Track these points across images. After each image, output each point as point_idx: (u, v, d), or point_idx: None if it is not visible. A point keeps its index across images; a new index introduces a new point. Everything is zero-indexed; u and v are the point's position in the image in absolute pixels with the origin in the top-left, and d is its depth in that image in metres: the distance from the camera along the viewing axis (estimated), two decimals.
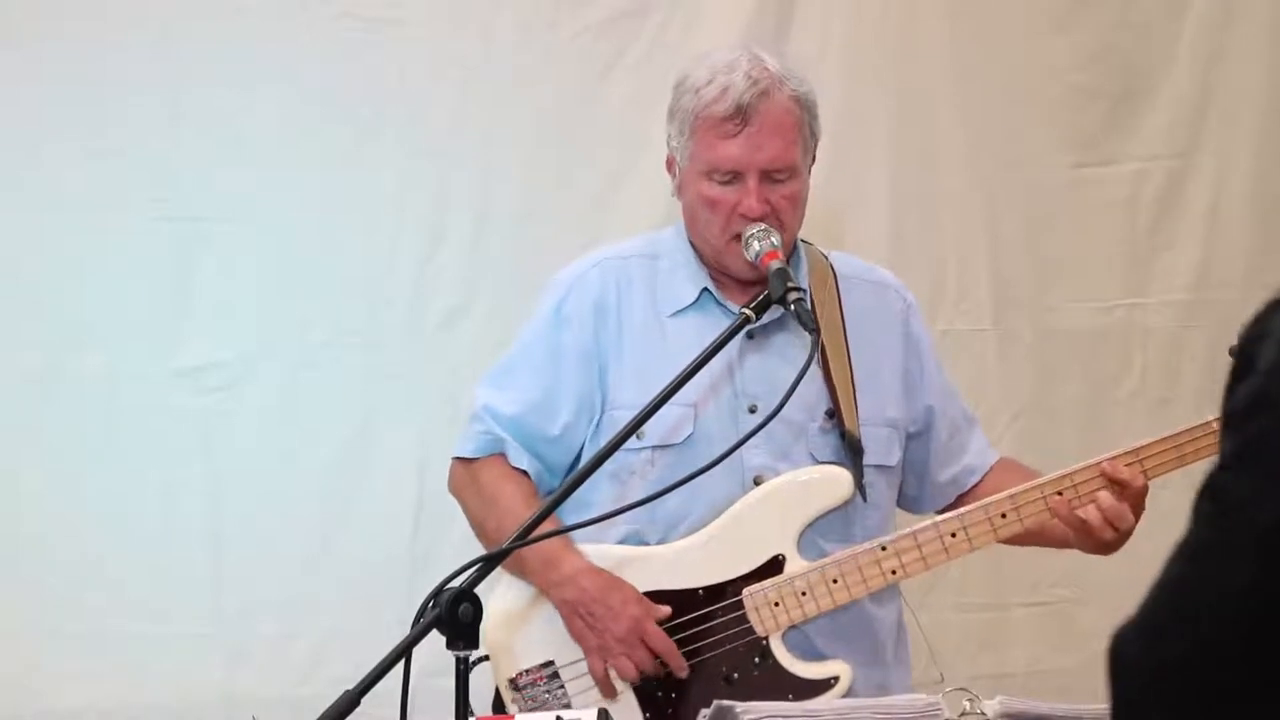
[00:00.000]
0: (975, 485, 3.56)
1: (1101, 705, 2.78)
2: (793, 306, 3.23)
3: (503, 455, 3.44)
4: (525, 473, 3.44)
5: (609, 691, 3.31)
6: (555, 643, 3.34)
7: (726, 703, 2.71)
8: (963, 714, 2.71)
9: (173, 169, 4.36)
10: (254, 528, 4.37)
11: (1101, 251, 4.94)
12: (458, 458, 3.50)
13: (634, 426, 3.13)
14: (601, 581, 3.32)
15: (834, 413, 3.41)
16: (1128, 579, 4.84)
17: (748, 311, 3.25)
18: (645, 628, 3.29)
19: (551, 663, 3.33)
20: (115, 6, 4.34)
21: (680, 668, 3.30)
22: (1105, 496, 3.32)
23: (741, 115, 3.33)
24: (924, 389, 3.55)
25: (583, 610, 3.30)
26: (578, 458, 3.44)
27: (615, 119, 4.58)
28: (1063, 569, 4.72)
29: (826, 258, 3.55)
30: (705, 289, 3.45)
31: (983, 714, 2.71)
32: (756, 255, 3.32)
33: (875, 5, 4.78)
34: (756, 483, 3.37)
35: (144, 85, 4.34)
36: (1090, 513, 3.33)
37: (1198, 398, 4.85)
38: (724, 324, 3.28)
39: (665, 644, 3.30)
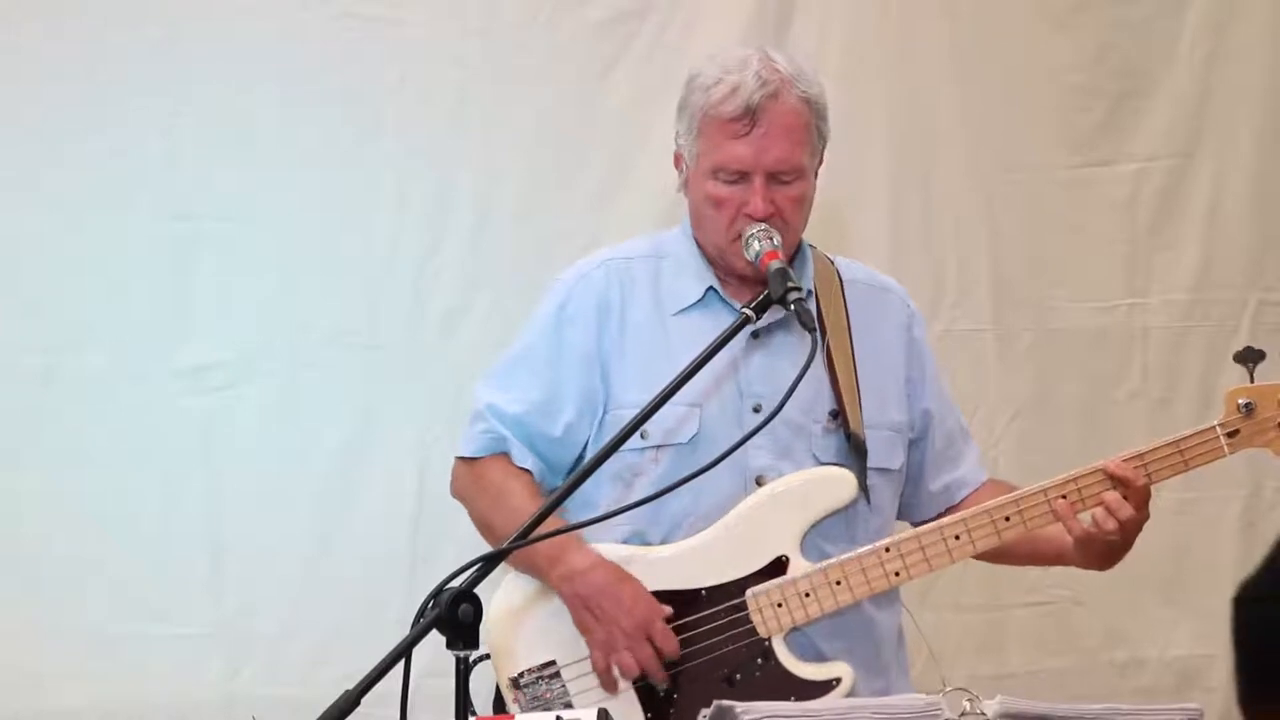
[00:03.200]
0: (964, 500, 3.55)
1: (1101, 705, 2.79)
2: (792, 306, 3.22)
3: (506, 454, 3.44)
4: (528, 472, 3.44)
5: (610, 686, 3.31)
6: (557, 642, 3.33)
7: (726, 703, 2.71)
8: (963, 714, 2.71)
9: (173, 169, 4.36)
10: (254, 528, 4.37)
11: (1101, 251, 4.95)
12: (460, 458, 3.50)
13: (634, 426, 3.12)
14: (612, 575, 3.31)
15: (837, 413, 3.41)
16: (1127, 579, 4.87)
17: (748, 311, 3.25)
18: (653, 625, 3.29)
19: (553, 662, 3.33)
20: (115, 6, 4.34)
21: (668, 673, 3.30)
22: (1111, 495, 3.33)
23: (750, 116, 3.33)
24: (923, 394, 3.55)
25: (592, 603, 3.29)
26: (581, 457, 3.44)
27: (615, 119, 4.58)
28: (1062, 569, 4.70)
29: (832, 262, 3.55)
30: (710, 287, 3.45)
31: (983, 714, 2.71)
32: (756, 255, 3.32)
33: (875, 5, 4.78)
34: (759, 483, 3.37)
35: (144, 85, 4.34)
36: (1097, 513, 3.33)
37: (1198, 398, 4.86)
38: (728, 323, 3.28)
39: (671, 644, 3.30)
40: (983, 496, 3.48)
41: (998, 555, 3.51)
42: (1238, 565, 5.00)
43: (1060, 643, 4.88)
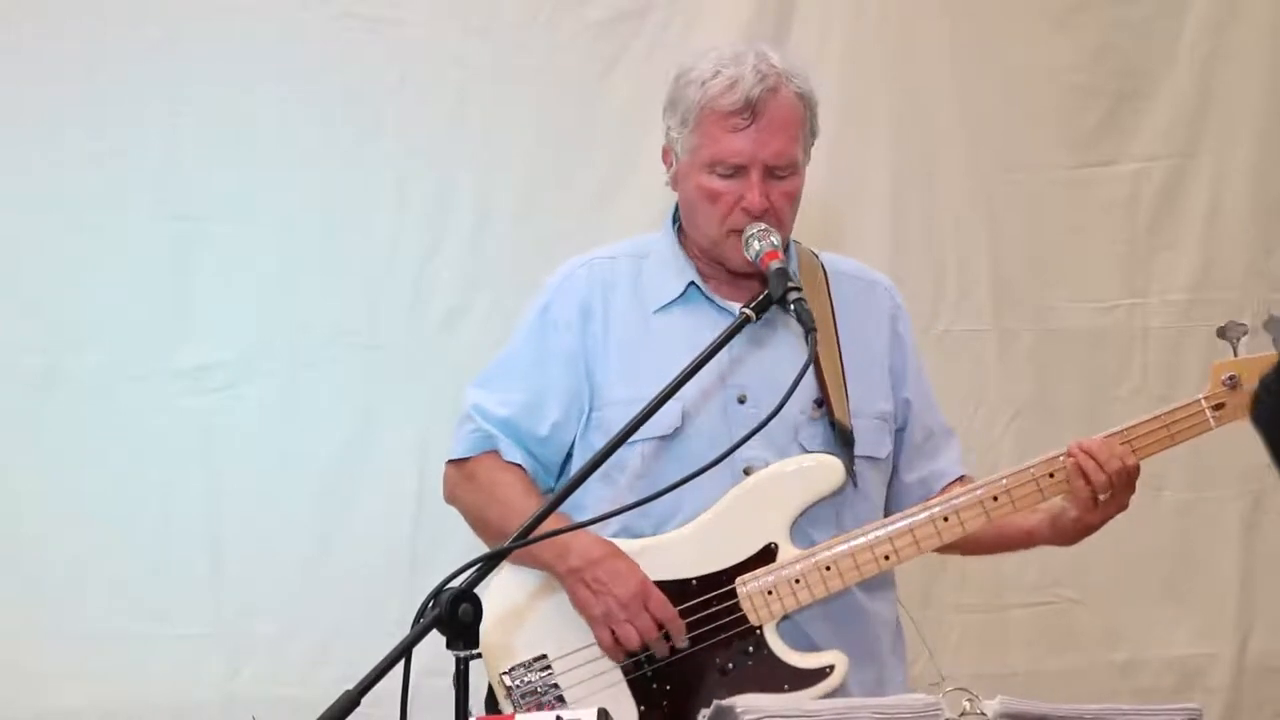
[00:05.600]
0: (940, 492, 3.53)
1: (1101, 705, 2.80)
2: (793, 307, 3.23)
3: (495, 452, 3.45)
4: (519, 466, 3.44)
5: (618, 657, 3.32)
6: (548, 636, 3.34)
7: (726, 703, 2.71)
8: (963, 714, 2.71)
9: (173, 169, 4.36)
10: (254, 528, 4.38)
11: (1101, 251, 4.95)
12: (451, 461, 3.51)
13: (632, 428, 3.12)
14: (606, 549, 3.33)
15: (822, 402, 3.41)
16: (1127, 579, 4.88)
17: (748, 312, 3.25)
18: (649, 592, 3.30)
19: (544, 656, 3.33)
20: (115, 6, 4.34)
21: (679, 633, 3.31)
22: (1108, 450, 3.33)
23: (750, 110, 3.34)
24: (904, 385, 3.55)
25: (588, 576, 3.31)
26: (569, 456, 3.45)
27: (615, 119, 4.58)
28: (1062, 569, 4.72)
29: (816, 256, 3.56)
30: (691, 282, 3.45)
31: (983, 714, 2.71)
32: (757, 255, 3.33)
33: (875, 5, 4.78)
34: (746, 473, 3.38)
35: (144, 85, 4.34)
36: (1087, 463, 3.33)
37: None
38: (711, 318, 3.30)
39: (668, 610, 3.30)
40: (951, 491, 3.47)
41: (967, 546, 3.50)
42: (1239, 565, 5.00)
43: (1060, 643, 4.87)
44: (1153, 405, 4.85)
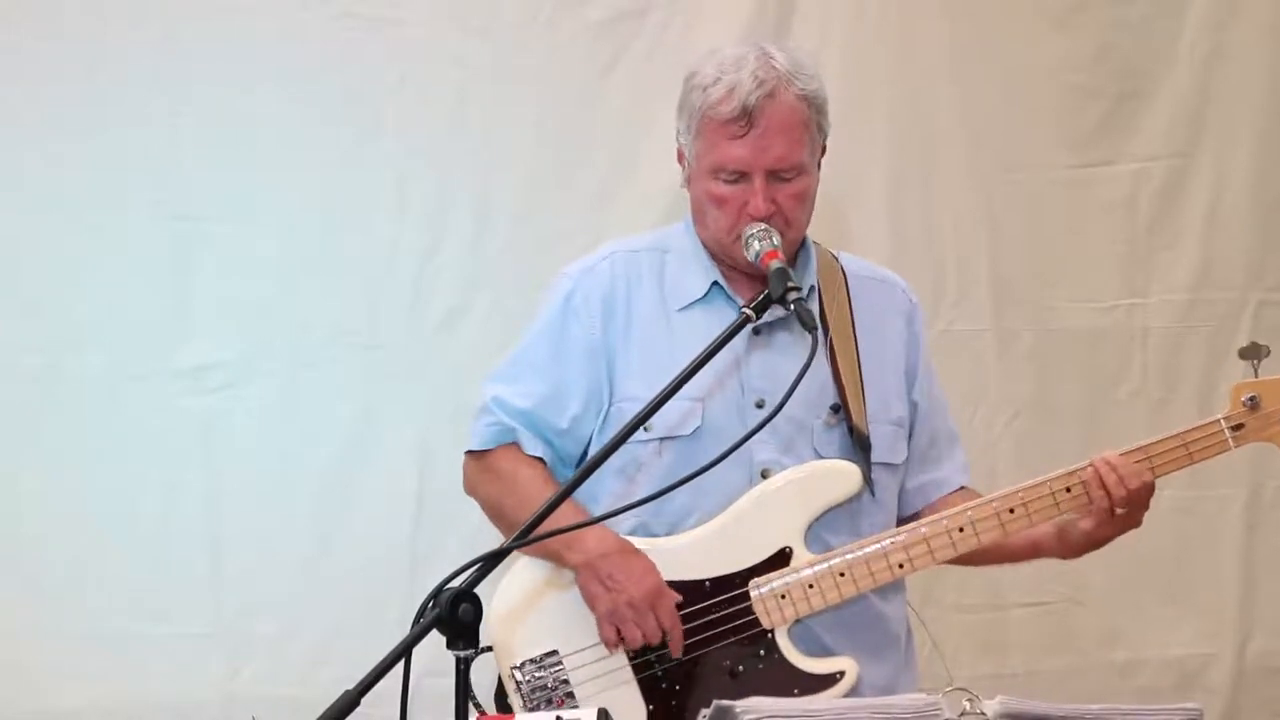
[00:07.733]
0: (937, 501, 3.54)
1: (1101, 705, 2.79)
2: (792, 306, 3.23)
3: (515, 445, 3.44)
4: (540, 460, 3.44)
5: (617, 651, 3.31)
6: (558, 632, 3.34)
7: (726, 702, 2.70)
8: (963, 714, 2.70)
9: (173, 169, 4.36)
10: (254, 528, 4.38)
11: (1101, 251, 4.95)
12: (470, 452, 3.50)
13: (637, 423, 3.12)
14: (623, 547, 3.33)
15: (839, 408, 3.41)
16: (1127, 579, 4.87)
17: (748, 311, 3.25)
18: (661, 597, 3.30)
19: (555, 652, 3.33)
20: (115, 6, 4.34)
21: (678, 645, 3.31)
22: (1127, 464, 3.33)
23: (747, 117, 3.33)
24: (915, 387, 3.55)
25: (602, 573, 3.30)
26: (586, 448, 3.44)
27: (615, 119, 4.58)
28: (1062, 569, 4.70)
29: (836, 258, 3.56)
30: (715, 282, 3.45)
31: (983, 714, 2.71)
32: (757, 255, 3.32)
33: (875, 5, 4.79)
34: (764, 476, 3.38)
35: (144, 85, 4.34)
36: (1106, 474, 3.33)
37: (1197, 397, 4.86)
38: (732, 318, 3.28)
39: (674, 619, 3.30)
40: (952, 501, 3.48)
41: (972, 558, 3.50)
42: (1239, 565, 5.00)
43: (1060, 643, 4.88)
44: (1152, 406, 4.90)
